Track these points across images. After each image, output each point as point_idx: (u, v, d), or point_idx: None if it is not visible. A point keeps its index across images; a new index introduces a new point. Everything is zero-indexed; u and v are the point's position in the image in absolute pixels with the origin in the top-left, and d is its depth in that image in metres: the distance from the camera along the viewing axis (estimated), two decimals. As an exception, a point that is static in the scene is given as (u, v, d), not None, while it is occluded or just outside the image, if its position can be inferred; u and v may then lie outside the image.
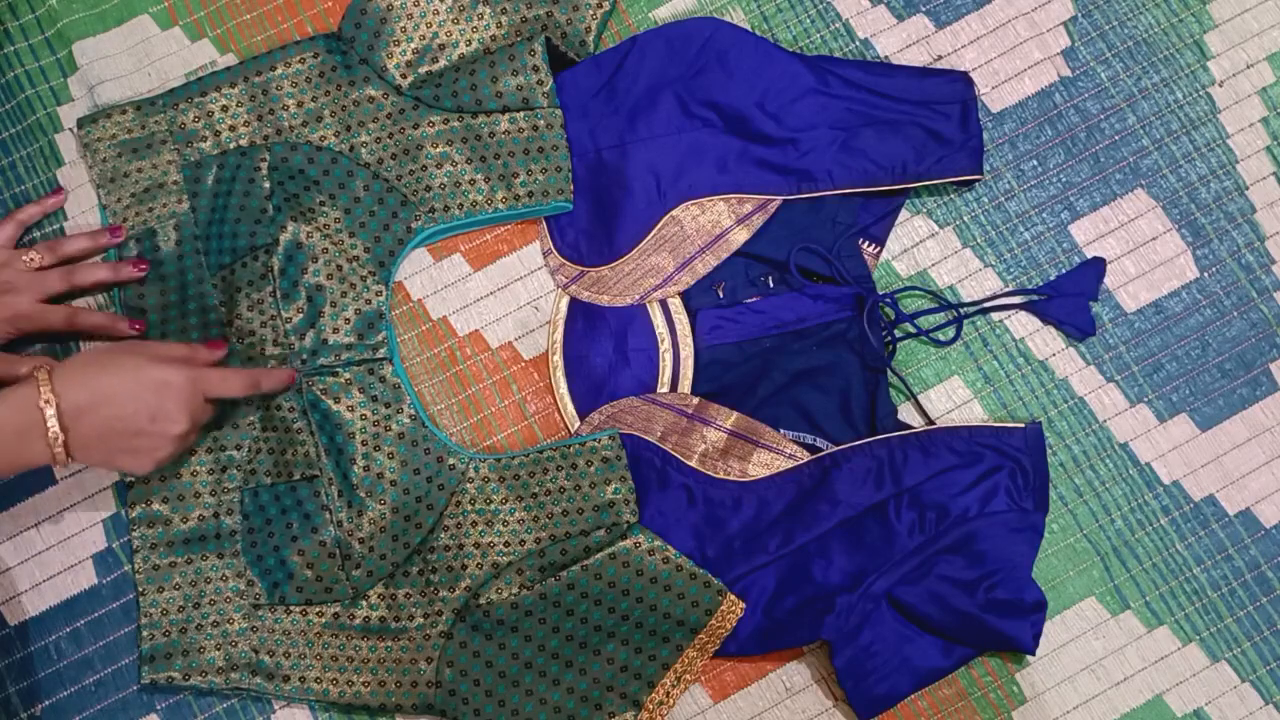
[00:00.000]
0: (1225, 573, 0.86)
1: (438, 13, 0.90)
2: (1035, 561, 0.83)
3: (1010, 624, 0.80)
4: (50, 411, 0.72)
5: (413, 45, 0.89)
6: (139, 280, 0.87)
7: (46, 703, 0.86)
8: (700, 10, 0.93)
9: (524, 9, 0.90)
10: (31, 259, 0.85)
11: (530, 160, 0.88)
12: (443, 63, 0.89)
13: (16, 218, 0.88)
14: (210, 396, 0.78)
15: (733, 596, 0.82)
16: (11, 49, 0.93)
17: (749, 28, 0.92)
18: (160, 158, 0.89)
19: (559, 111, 0.88)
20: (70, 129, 0.92)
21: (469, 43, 0.90)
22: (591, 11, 0.91)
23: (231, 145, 0.89)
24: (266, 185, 0.88)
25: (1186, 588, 0.86)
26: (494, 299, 0.90)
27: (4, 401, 0.72)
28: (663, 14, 0.93)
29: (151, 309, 0.88)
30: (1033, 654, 0.82)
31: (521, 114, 0.88)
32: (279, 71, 0.90)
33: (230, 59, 0.93)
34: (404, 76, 0.89)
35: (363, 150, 0.89)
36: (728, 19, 0.92)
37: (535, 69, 0.88)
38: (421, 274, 0.91)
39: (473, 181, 0.88)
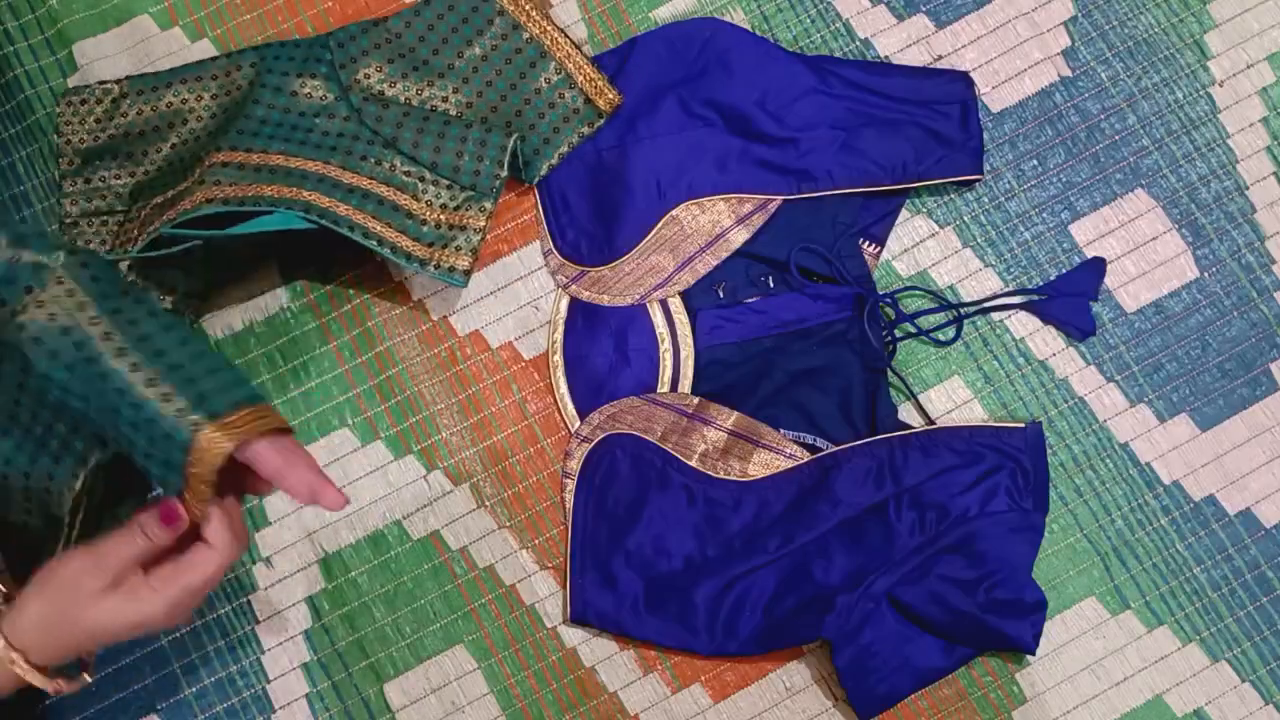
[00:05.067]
0: (1225, 573, 0.86)
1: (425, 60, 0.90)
2: (1035, 561, 0.83)
3: (1010, 624, 0.81)
4: (19, 662, 0.67)
5: (383, 86, 0.89)
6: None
7: (47, 702, 0.86)
8: (700, 10, 0.93)
9: (498, 99, 0.90)
10: None
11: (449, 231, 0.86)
12: (403, 108, 0.88)
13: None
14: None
15: None
16: (11, 49, 0.94)
17: (749, 28, 0.92)
18: (135, 147, 0.90)
19: (492, 206, 0.85)
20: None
21: (442, 101, 0.90)
22: (561, 117, 0.89)
23: (199, 130, 0.89)
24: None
25: (1186, 588, 0.86)
26: (494, 299, 0.90)
27: None
28: (663, 14, 0.93)
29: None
30: (1033, 654, 0.82)
31: (454, 188, 0.86)
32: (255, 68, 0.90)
33: (230, 59, 0.93)
34: (362, 102, 0.88)
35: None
36: (728, 19, 0.92)
37: (499, 164, 0.85)
38: (421, 274, 0.90)
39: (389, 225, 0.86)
